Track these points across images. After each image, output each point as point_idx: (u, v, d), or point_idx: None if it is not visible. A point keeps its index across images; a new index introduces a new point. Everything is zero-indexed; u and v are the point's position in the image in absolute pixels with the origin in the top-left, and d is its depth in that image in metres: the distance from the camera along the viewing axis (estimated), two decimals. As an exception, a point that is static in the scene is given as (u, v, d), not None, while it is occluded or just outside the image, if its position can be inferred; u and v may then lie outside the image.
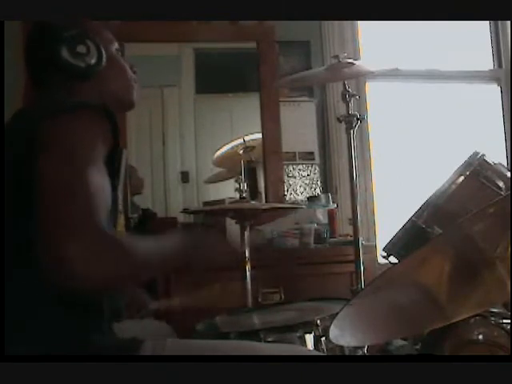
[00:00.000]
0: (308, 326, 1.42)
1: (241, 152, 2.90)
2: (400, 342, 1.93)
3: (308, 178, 2.97)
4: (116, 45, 1.27)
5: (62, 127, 0.98)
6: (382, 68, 2.20)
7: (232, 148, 2.91)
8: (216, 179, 2.88)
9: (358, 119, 1.97)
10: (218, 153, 2.90)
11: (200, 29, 2.70)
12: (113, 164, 1.05)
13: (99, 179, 0.97)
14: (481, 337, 1.47)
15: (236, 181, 2.52)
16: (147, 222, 2.66)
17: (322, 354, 1.37)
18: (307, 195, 2.90)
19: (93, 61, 1.16)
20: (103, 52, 1.18)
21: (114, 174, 1.06)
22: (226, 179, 2.85)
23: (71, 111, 1.01)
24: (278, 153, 2.88)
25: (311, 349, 1.40)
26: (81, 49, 1.14)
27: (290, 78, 2.42)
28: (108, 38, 1.25)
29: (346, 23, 3.02)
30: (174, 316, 1.67)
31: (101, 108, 1.03)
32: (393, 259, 1.80)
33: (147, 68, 2.87)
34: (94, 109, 1.03)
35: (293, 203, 2.89)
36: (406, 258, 1.25)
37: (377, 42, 3.16)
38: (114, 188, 1.07)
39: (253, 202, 2.11)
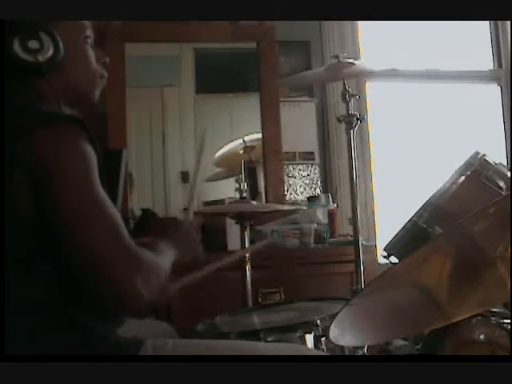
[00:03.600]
0: (308, 326, 1.42)
1: (241, 152, 2.90)
2: (400, 342, 1.93)
3: (308, 177, 2.97)
4: (87, 32, 1.18)
5: (48, 146, 0.98)
6: (380, 68, 2.20)
7: (232, 148, 2.91)
8: (216, 178, 2.88)
9: (357, 119, 1.97)
10: (219, 153, 2.90)
11: (200, 29, 2.69)
12: (102, 175, 1.05)
13: (105, 196, 1.02)
14: (482, 337, 1.47)
15: (236, 181, 2.52)
16: (147, 222, 2.66)
17: (322, 353, 1.37)
18: (307, 195, 2.90)
19: (47, 55, 1.09)
20: (60, 45, 1.10)
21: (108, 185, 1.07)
22: (226, 178, 2.85)
23: (48, 125, 1.00)
24: (278, 153, 2.88)
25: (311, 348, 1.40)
26: (33, 44, 1.07)
27: (291, 77, 2.42)
28: (74, 27, 1.16)
29: (346, 23, 3.02)
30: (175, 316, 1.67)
31: (75, 120, 1.03)
32: (393, 259, 1.80)
33: (147, 68, 2.89)
34: (70, 121, 1.03)
35: (293, 203, 2.89)
36: (406, 258, 1.25)
37: (377, 42, 3.16)
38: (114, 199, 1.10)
39: (253, 202, 2.11)
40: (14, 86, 1.12)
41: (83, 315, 1.04)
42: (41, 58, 1.08)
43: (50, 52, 1.09)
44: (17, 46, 1.07)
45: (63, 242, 0.98)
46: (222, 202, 2.68)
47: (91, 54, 1.20)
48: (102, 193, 1.02)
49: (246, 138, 2.91)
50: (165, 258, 1.14)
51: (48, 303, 1.02)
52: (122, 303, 0.98)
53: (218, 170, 2.91)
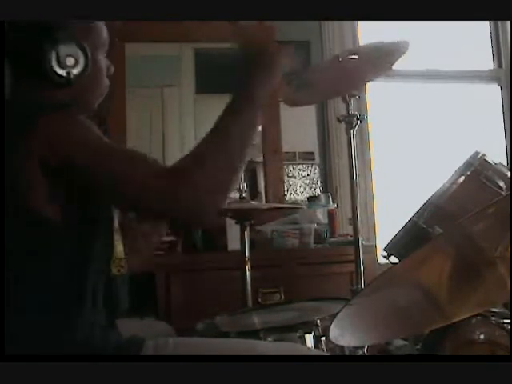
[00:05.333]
0: (308, 326, 1.42)
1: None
2: (400, 342, 1.93)
3: (308, 177, 2.97)
4: (106, 47, 1.23)
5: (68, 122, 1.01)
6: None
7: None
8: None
9: (357, 119, 1.96)
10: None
11: (200, 29, 2.69)
12: None
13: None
14: (482, 337, 1.47)
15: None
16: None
17: (322, 353, 1.37)
18: (307, 195, 2.90)
19: (77, 71, 1.12)
20: (89, 63, 1.13)
21: None
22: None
23: (50, 112, 1.02)
24: (278, 153, 2.88)
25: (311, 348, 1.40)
26: (69, 61, 1.11)
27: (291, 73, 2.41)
28: (98, 43, 1.20)
29: (346, 23, 3.02)
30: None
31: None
32: (393, 259, 1.80)
33: (147, 68, 2.89)
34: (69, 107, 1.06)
35: (293, 203, 2.89)
36: (406, 258, 1.25)
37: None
38: None
39: (253, 202, 2.11)
40: (31, 87, 1.14)
41: (87, 314, 1.04)
42: (71, 74, 1.12)
43: (81, 68, 1.13)
44: (53, 59, 1.10)
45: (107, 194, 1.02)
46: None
47: (104, 66, 1.23)
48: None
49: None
50: None
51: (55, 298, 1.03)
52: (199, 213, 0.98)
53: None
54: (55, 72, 1.10)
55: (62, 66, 1.11)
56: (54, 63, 1.10)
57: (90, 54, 1.13)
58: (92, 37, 1.17)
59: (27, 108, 1.06)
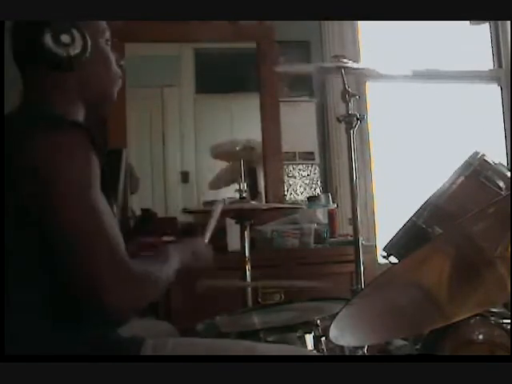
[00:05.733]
0: (308, 326, 1.42)
1: (241, 152, 2.90)
2: (400, 342, 1.93)
3: (308, 177, 2.97)
4: (107, 35, 1.22)
5: (54, 150, 1.00)
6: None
7: (232, 148, 2.91)
8: (219, 185, 2.89)
9: (357, 119, 1.96)
10: (219, 153, 2.90)
11: (200, 29, 2.69)
12: (106, 183, 1.07)
13: (106, 206, 1.03)
14: (481, 337, 1.47)
15: (236, 181, 2.52)
16: (147, 222, 2.66)
17: (322, 354, 1.37)
18: (307, 195, 2.90)
19: (76, 51, 1.12)
20: (89, 43, 1.13)
21: (109, 191, 1.08)
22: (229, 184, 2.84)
23: (52, 129, 1.02)
24: (278, 153, 2.88)
25: (311, 349, 1.40)
26: (65, 38, 1.10)
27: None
28: (98, 28, 1.20)
29: (346, 23, 3.02)
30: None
31: (79, 126, 1.06)
32: (393, 259, 1.80)
33: (147, 68, 2.89)
34: (73, 126, 1.05)
35: (293, 203, 2.89)
36: (406, 258, 1.25)
37: (377, 41, 3.16)
38: (112, 205, 1.11)
39: (253, 202, 2.11)
40: (35, 82, 1.15)
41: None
42: (71, 53, 1.11)
43: (80, 48, 1.12)
44: (49, 39, 1.10)
45: (57, 249, 0.99)
46: (221, 202, 2.67)
47: (112, 55, 1.23)
48: (103, 203, 1.02)
49: (246, 138, 2.91)
50: (170, 262, 1.16)
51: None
52: (115, 312, 0.99)
53: (218, 170, 2.92)
54: (52, 52, 1.10)
55: (58, 43, 1.10)
56: (49, 43, 1.09)
57: (86, 34, 1.13)
58: (90, 21, 1.17)
59: (30, 120, 1.06)
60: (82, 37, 1.12)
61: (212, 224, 1.47)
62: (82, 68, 1.14)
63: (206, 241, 1.40)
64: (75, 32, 1.11)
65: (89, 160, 1.02)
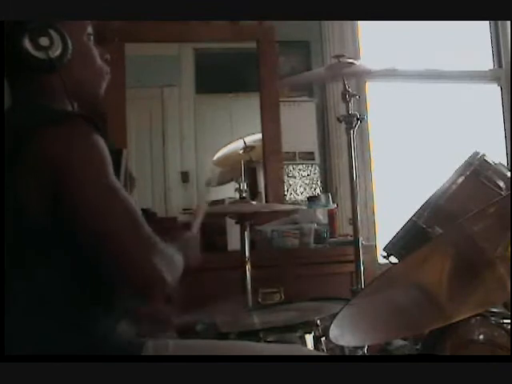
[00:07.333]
0: (308, 326, 1.42)
1: (241, 152, 2.90)
2: (400, 342, 1.93)
3: (308, 177, 2.97)
4: (88, 29, 1.20)
5: (59, 144, 1.00)
6: (380, 67, 2.20)
7: (232, 148, 2.91)
8: (218, 183, 2.89)
9: (358, 119, 1.97)
10: (219, 153, 2.90)
11: (200, 29, 2.69)
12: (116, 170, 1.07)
13: (120, 185, 1.05)
14: (481, 337, 1.47)
15: (236, 181, 2.52)
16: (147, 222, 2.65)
17: (322, 353, 1.37)
18: (307, 195, 2.90)
19: (57, 53, 1.10)
20: (69, 43, 1.12)
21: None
22: (228, 182, 2.85)
23: (57, 124, 1.02)
24: (278, 153, 2.88)
25: (311, 349, 1.40)
26: (43, 41, 1.09)
27: (292, 77, 2.41)
28: (77, 25, 1.17)
29: (346, 23, 3.02)
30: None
31: (83, 116, 1.05)
32: (393, 259, 1.80)
33: (147, 68, 2.89)
34: (78, 117, 1.05)
35: (293, 203, 2.89)
36: (406, 258, 1.25)
37: (377, 41, 3.16)
38: None
39: (253, 203, 2.11)
40: (21, 84, 1.14)
41: (87, 314, 1.05)
42: (51, 55, 1.10)
43: (60, 49, 1.11)
44: (27, 43, 1.09)
45: (82, 235, 1.00)
46: (221, 202, 2.68)
47: (95, 50, 1.21)
48: (118, 182, 1.04)
49: (246, 138, 2.91)
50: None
51: (53, 301, 1.03)
52: (147, 286, 1.00)
53: (219, 170, 2.92)
54: (32, 55, 1.09)
55: (37, 47, 1.09)
56: (28, 47, 1.09)
57: (65, 34, 1.11)
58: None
59: (27, 117, 1.06)
60: (62, 37, 1.11)
61: (196, 225, 1.44)
62: (66, 67, 1.12)
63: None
64: (53, 33, 1.10)
65: (99, 145, 1.03)
